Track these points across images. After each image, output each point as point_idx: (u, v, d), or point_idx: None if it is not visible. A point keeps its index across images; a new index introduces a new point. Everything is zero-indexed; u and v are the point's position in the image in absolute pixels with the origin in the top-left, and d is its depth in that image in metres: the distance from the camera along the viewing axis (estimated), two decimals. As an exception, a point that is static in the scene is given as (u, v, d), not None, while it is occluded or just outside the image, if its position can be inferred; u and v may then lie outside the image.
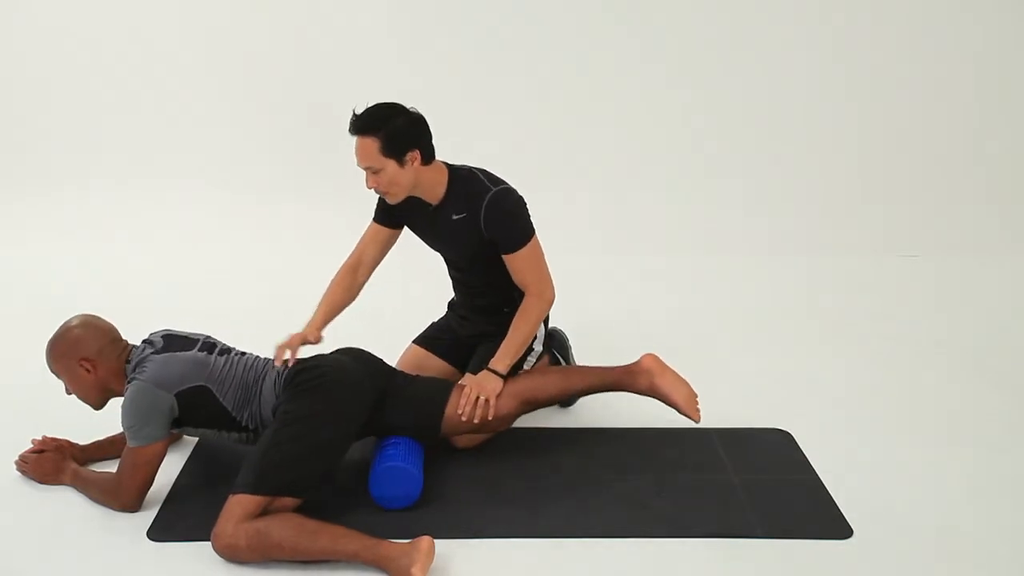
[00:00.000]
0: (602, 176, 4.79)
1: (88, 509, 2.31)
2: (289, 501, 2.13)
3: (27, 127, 4.83)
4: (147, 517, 2.26)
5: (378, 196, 2.60)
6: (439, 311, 2.93)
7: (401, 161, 2.39)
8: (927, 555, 2.16)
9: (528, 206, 2.55)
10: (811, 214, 4.68)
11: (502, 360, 2.52)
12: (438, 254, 2.74)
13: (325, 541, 2.04)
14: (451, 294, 2.86)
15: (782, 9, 4.66)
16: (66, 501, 2.35)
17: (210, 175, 4.79)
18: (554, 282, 2.59)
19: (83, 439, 2.53)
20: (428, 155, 2.46)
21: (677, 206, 4.69)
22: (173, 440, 2.54)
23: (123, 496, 2.26)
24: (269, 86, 4.78)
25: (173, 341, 2.34)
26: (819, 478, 2.47)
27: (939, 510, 2.33)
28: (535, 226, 2.55)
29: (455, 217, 2.51)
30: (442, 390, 2.48)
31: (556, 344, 2.97)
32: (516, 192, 2.54)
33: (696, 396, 2.50)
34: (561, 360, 2.95)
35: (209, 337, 2.42)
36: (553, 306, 2.62)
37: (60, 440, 2.49)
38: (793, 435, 2.70)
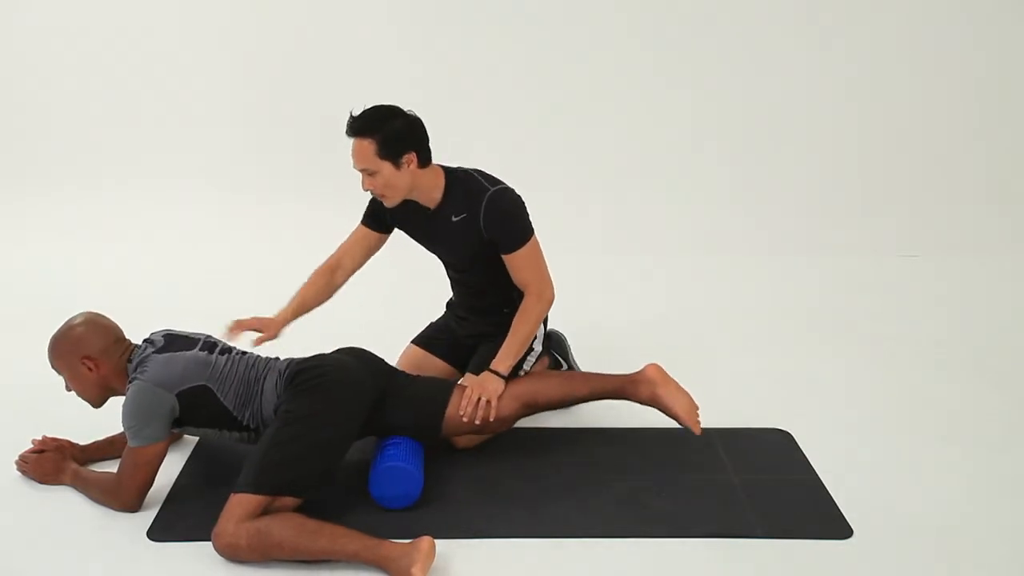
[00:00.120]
0: (602, 176, 4.79)
1: (88, 509, 2.31)
2: (290, 501, 2.13)
3: (27, 127, 4.84)
4: (147, 517, 2.26)
5: (369, 198, 2.59)
6: (437, 311, 2.93)
7: (397, 163, 2.39)
8: (927, 555, 2.15)
9: (528, 206, 2.54)
10: (811, 214, 4.68)
11: (504, 361, 2.52)
12: (434, 256, 2.73)
13: (325, 541, 2.04)
14: (450, 294, 2.86)
15: (782, 9, 4.66)
16: (66, 501, 2.34)
17: (210, 175, 4.80)
18: (553, 282, 2.59)
19: (83, 439, 2.53)
20: (425, 158, 2.45)
21: (677, 206, 4.69)
22: (174, 440, 2.53)
23: (123, 496, 2.26)
24: (269, 86, 4.78)
25: (174, 340, 2.34)
26: (819, 478, 2.47)
27: (939, 510, 2.33)
28: (535, 226, 2.55)
29: (455, 219, 2.51)
30: (443, 390, 2.48)
31: (555, 345, 2.97)
32: (514, 191, 2.54)
33: (697, 408, 2.51)
34: (561, 361, 2.95)
35: (210, 336, 2.42)
36: (553, 306, 2.62)
37: (60, 440, 2.48)
38: (793, 435, 2.70)
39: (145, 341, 2.36)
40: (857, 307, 3.83)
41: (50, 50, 4.74)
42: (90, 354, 2.28)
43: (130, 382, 2.25)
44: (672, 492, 2.40)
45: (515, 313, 2.58)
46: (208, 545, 2.09)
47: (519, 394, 2.50)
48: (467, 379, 2.56)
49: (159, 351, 2.29)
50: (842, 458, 2.58)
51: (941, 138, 4.77)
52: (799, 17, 4.67)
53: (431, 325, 2.92)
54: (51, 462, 2.42)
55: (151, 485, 2.29)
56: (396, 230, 2.68)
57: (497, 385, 2.48)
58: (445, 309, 2.91)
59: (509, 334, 2.55)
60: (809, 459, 2.57)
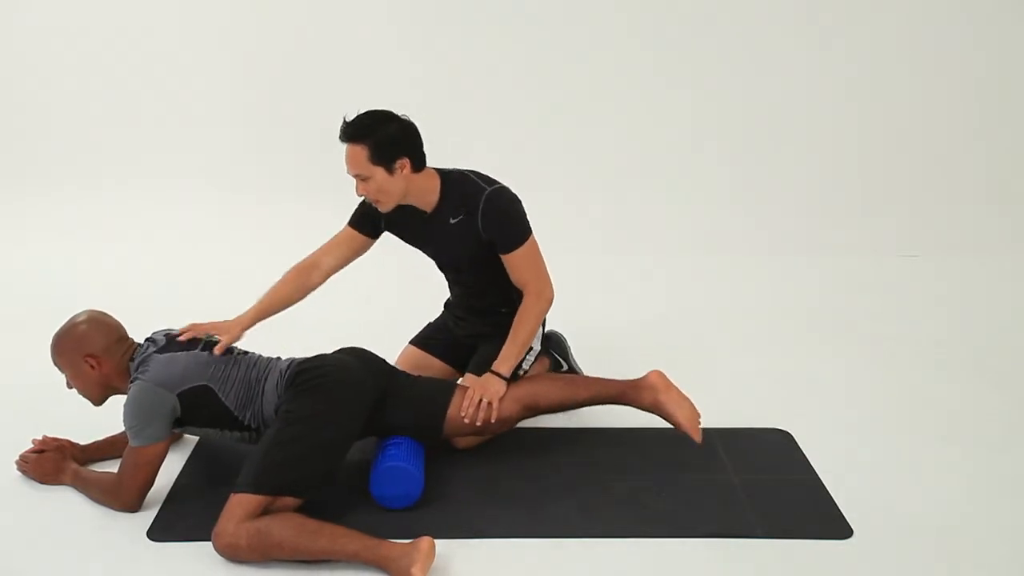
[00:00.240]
0: (602, 176, 4.79)
1: (88, 509, 2.31)
2: (290, 501, 2.13)
3: (27, 127, 4.83)
4: (147, 517, 2.26)
5: (360, 201, 2.57)
6: (436, 311, 2.93)
7: (390, 169, 2.37)
8: (927, 555, 2.16)
9: (528, 206, 2.54)
10: (811, 214, 4.68)
11: (505, 362, 2.51)
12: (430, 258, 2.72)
13: (325, 541, 2.04)
14: (447, 294, 2.86)
15: (782, 9, 4.66)
16: (66, 501, 2.34)
17: (210, 175, 4.80)
18: (553, 282, 2.59)
19: (83, 439, 2.53)
20: (418, 163, 2.43)
21: (677, 206, 4.68)
22: (174, 440, 2.54)
23: (124, 496, 2.27)
24: (269, 86, 4.78)
25: (175, 340, 2.34)
26: (819, 478, 2.47)
27: (939, 510, 2.33)
28: (535, 226, 2.54)
29: (452, 221, 2.50)
30: (444, 391, 2.48)
31: (555, 346, 2.96)
32: (511, 191, 2.53)
33: (699, 416, 2.50)
34: (561, 361, 2.95)
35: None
36: (553, 306, 2.62)
37: (60, 440, 2.49)
38: (793, 435, 2.70)
39: (147, 340, 2.36)
40: (857, 307, 3.83)
41: (50, 50, 4.74)
42: (93, 352, 2.28)
43: (132, 381, 2.25)
44: (672, 492, 2.40)
45: (513, 313, 2.57)
46: (208, 545, 2.09)
47: (520, 396, 2.50)
48: (468, 380, 2.56)
49: (161, 351, 2.29)
50: (842, 458, 2.58)
51: (941, 138, 4.76)
52: (799, 17, 4.67)
53: (429, 325, 2.92)
54: (51, 462, 2.42)
55: (152, 485, 2.29)
56: (384, 235, 2.64)
57: (499, 387, 2.47)
58: (443, 309, 2.91)
59: (510, 335, 2.55)
60: (809, 459, 2.57)
